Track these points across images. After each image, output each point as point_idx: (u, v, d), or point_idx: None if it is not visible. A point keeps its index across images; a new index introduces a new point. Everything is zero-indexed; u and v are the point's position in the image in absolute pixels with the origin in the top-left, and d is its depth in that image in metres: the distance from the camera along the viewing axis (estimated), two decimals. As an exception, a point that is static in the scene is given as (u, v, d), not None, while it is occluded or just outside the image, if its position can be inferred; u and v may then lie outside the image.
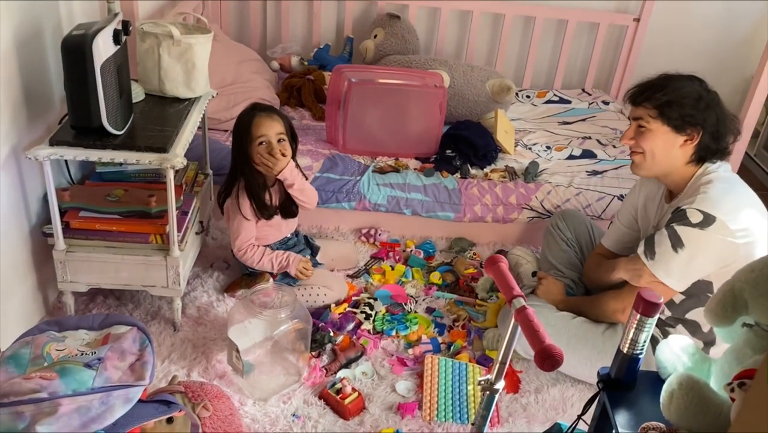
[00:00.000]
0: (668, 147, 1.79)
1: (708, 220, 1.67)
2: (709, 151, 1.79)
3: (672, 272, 1.75)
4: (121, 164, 1.96)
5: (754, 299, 1.03)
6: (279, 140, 2.09)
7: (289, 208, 2.24)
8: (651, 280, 1.79)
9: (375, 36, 3.29)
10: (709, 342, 1.82)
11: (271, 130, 2.08)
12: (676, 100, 1.75)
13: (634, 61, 3.53)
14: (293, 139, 2.16)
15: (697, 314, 1.84)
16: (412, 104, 2.75)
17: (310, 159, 2.65)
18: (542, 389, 2.01)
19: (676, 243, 1.72)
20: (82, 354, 1.30)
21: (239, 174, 2.13)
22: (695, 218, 1.69)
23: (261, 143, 2.07)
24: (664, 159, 1.81)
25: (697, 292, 1.81)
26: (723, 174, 1.79)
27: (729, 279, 1.07)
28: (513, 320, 1.19)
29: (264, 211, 2.14)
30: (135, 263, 1.95)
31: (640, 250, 1.82)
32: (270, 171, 2.10)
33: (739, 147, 2.53)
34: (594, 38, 3.55)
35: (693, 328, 1.85)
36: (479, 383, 1.28)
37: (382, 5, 3.42)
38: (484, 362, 2.09)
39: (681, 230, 1.72)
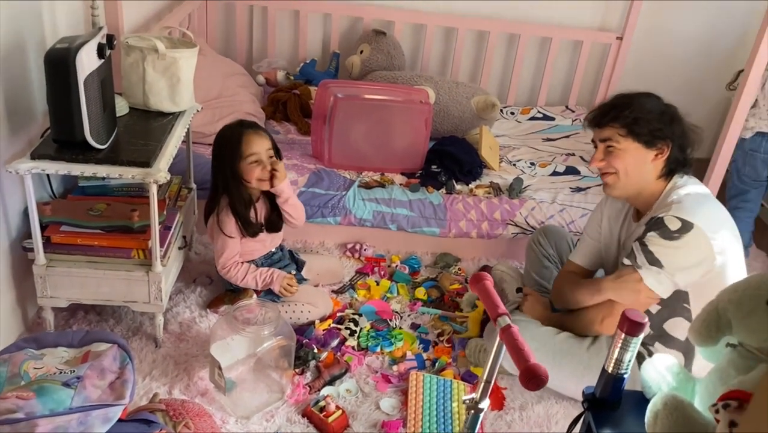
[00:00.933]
0: (640, 163, 1.81)
1: (686, 226, 1.69)
2: (678, 162, 1.83)
3: (662, 279, 1.75)
4: (104, 178, 1.94)
5: (737, 319, 1.04)
6: (270, 157, 2.09)
7: (274, 222, 2.23)
8: (636, 287, 1.78)
9: (361, 51, 3.30)
10: (687, 352, 1.83)
11: (262, 147, 2.07)
12: (643, 116, 1.78)
13: (617, 79, 3.58)
14: (278, 155, 2.16)
15: (673, 325, 1.84)
16: (398, 120, 2.75)
17: (296, 174, 2.64)
18: (527, 406, 2.01)
19: (654, 261, 1.74)
20: (61, 372, 1.28)
21: (222, 191, 2.12)
22: (673, 224, 1.70)
23: (254, 161, 2.06)
24: (637, 176, 1.83)
25: (673, 303, 1.82)
26: (694, 188, 1.83)
27: (713, 299, 1.08)
28: (498, 339, 1.19)
29: (249, 228, 2.13)
30: (117, 279, 1.92)
31: (626, 262, 1.82)
32: (266, 186, 2.10)
33: (721, 163, 2.56)
34: (577, 56, 3.59)
35: (669, 340, 1.85)
36: (464, 402, 1.28)
37: (368, 21, 3.44)
38: (469, 378, 2.08)
39: (656, 248, 1.73)
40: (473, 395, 1.27)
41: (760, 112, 2.64)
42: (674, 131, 1.80)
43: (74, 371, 1.27)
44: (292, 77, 3.41)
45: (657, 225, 1.74)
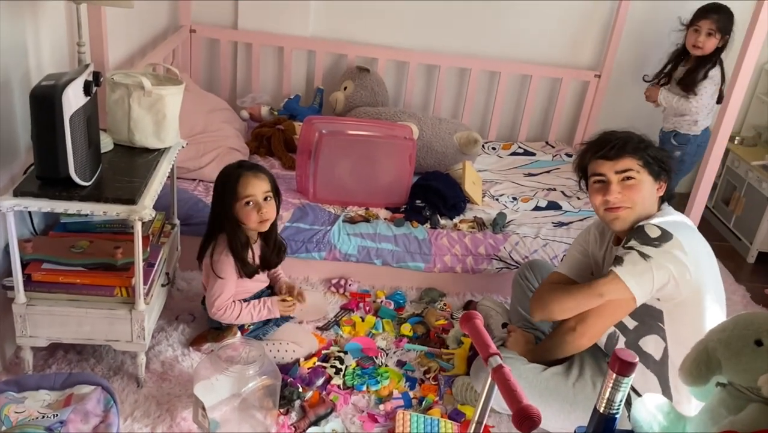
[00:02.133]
0: (650, 195, 1.84)
1: (666, 236, 1.71)
2: (670, 194, 1.88)
3: (643, 281, 1.73)
4: (87, 215, 1.92)
5: (726, 358, 1.05)
6: (265, 198, 2.08)
7: (268, 260, 2.22)
8: (614, 287, 1.78)
9: (345, 88, 3.33)
10: (660, 374, 1.84)
11: (259, 189, 2.07)
12: (651, 148, 1.83)
13: (596, 115, 3.65)
14: (277, 195, 2.16)
15: (647, 342, 1.85)
16: (383, 155, 2.77)
17: (281, 209, 2.63)
18: (515, 444, 1.99)
19: (646, 256, 1.73)
20: (43, 417, 1.24)
21: (220, 232, 2.10)
22: (653, 232, 1.72)
23: (248, 203, 2.05)
24: (645, 208, 1.83)
25: (649, 320, 1.84)
26: (679, 216, 1.86)
27: (702, 339, 1.09)
28: (489, 379, 1.18)
29: (246, 269, 2.11)
30: (99, 317, 1.89)
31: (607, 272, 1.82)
32: (265, 227, 2.12)
33: (700, 199, 2.61)
34: (557, 93, 3.66)
35: (644, 357, 1.86)
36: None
37: (352, 58, 3.49)
38: (457, 417, 2.06)
39: (639, 246, 1.74)
40: (464, 436, 1.26)
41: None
42: (669, 165, 1.85)
43: (57, 415, 1.23)
44: (276, 112, 3.42)
45: (637, 232, 1.75)
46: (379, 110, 3.22)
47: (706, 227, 3.58)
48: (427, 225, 2.71)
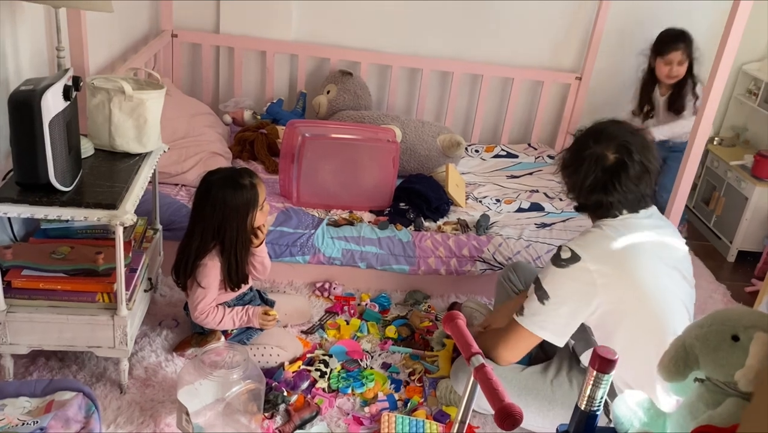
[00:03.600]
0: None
1: (573, 258, 1.72)
2: (583, 203, 1.86)
3: (545, 325, 1.77)
4: (67, 221, 1.91)
5: (704, 354, 1.06)
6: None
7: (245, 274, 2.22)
8: (525, 335, 1.80)
9: (328, 92, 3.34)
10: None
11: (264, 193, 2.11)
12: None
13: (578, 117, 3.68)
14: None
15: (587, 357, 1.88)
16: (366, 159, 2.78)
17: (264, 213, 2.63)
18: (499, 445, 2.00)
19: (542, 296, 1.76)
20: (24, 424, 1.23)
21: (219, 242, 2.06)
22: (565, 253, 1.75)
23: (261, 207, 2.09)
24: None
25: (586, 335, 1.86)
26: (628, 221, 1.79)
27: (680, 335, 1.11)
28: (472, 378, 1.19)
29: (232, 284, 2.11)
30: (80, 323, 1.87)
31: (514, 314, 1.84)
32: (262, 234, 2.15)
33: (679, 200, 2.64)
34: (538, 95, 3.69)
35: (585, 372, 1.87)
36: (439, 444, 1.27)
37: (335, 62, 3.49)
38: (441, 418, 2.07)
39: (544, 275, 1.77)
40: (448, 436, 1.27)
41: None
42: (567, 185, 1.89)
43: (37, 422, 1.22)
44: (259, 117, 3.42)
45: (555, 253, 1.79)
46: (362, 114, 3.23)
47: (686, 228, 3.62)
48: (411, 227, 2.72)
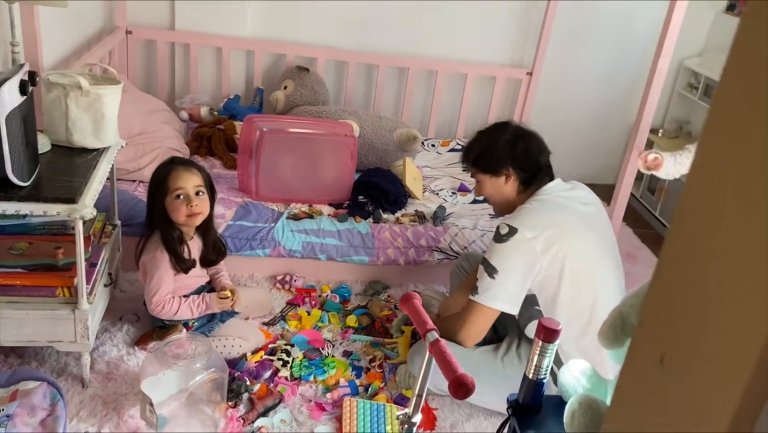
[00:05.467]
0: (498, 188, 2.09)
1: (511, 231, 1.91)
2: (529, 177, 2.07)
3: (498, 296, 1.94)
4: (25, 216, 1.90)
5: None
6: (197, 192, 2.10)
7: (208, 258, 2.24)
8: (482, 309, 1.96)
9: (285, 87, 3.37)
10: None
11: (189, 182, 2.08)
12: (483, 150, 2.08)
13: (529, 112, 3.80)
14: (211, 191, 2.18)
15: (531, 329, 2.00)
16: (324, 153, 2.83)
17: (223, 207, 2.66)
18: (457, 425, 2.08)
19: (492, 271, 1.92)
20: (-12, 413, 1.25)
21: (155, 228, 2.12)
22: (503, 229, 1.93)
23: (178, 196, 2.07)
24: (501, 198, 2.10)
25: (528, 309, 2.01)
26: (539, 197, 2.02)
27: (617, 305, 1.19)
28: (428, 353, 1.26)
29: (182, 264, 2.13)
30: (41, 318, 1.88)
31: (470, 295, 2.00)
32: (196, 222, 2.13)
33: (624, 189, 2.77)
34: (491, 91, 3.79)
35: (531, 343, 1.98)
36: (397, 418, 1.33)
37: (291, 58, 3.52)
38: (401, 401, 2.14)
39: (490, 253, 1.94)
40: (406, 410, 1.33)
41: None
42: (514, 155, 2.05)
43: (3, 410, 1.24)
44: (216, 113, 3.43)
45: (495, 233, 1.97)
46: (320, 109, 3.27)
47: (633, 216, 3.78)
48: (370, 220, 2.78)
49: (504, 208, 2.12)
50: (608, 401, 1.20)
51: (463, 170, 2.27)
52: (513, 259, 1.91)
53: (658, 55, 2.53)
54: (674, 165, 2.39)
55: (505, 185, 2.08)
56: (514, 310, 1.95)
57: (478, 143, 2.12)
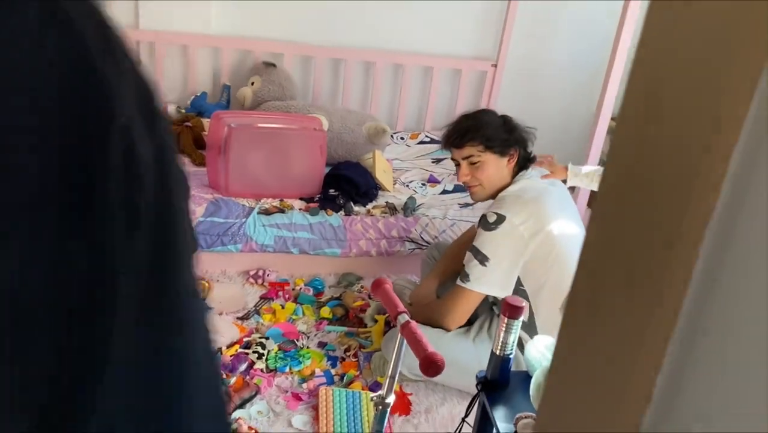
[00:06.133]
0: (499, 170, 2.11)
1: (500, 219, 1.97)
2: (525, 161, 2.14)
3: (492, 283, 2.00)
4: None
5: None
6: None
7: None
8: (474, 297, 2.03)
9: (252, 83, 3.37)
10: (529, 331, 2.03)
11: None
12: (492, 131, 2.09)
13: (495, 102, 3.86)
14: None
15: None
16: (293, 147, 2.84)
17: (193, 204, 2.66)
18: (432, 409, 2.12)
19: (483, 259, 1.98)
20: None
21: None
22: (491, 218, 1.99)
23: None
24: (498, 181, 2.12)
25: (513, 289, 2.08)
26: (524, 182, 2.10)
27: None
28: (399, 335, 1.29)
29: None
30: None
31: (458, 283, 2.05)
32: None
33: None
34: (458, 83, 3.84)
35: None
36: (371, 399, 1.37)
37: (258, 54, 3.53)
38: (376, 388, 2.16)
39: (479, 241, 1.99)
40: (380, 392, 1.37)
41: None
42: (516, 137, 2.10)
43: None
44: (183, 110, 3.42)
45: (481, 221, 2.03)
46: (288, 104, 3.29)
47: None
48: (342, 213, 2.81)
49: (492, 192, 2.13)
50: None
51: (451, 147, 2.13)
52: (503, 246, 1.97)
53: (617, 43, 2.61)
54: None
55: (506, 167, 2.11)
56: (506, 294, 1.99)
57: (479, 124, 2.10)
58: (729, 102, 0.35)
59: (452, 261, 2.30)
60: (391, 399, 1.35)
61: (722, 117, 0.35)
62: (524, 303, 1.21)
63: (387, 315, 2.40)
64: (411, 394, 2.17)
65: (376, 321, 2.45)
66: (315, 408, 2.07)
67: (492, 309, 2.13)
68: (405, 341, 1.30)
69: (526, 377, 1.30)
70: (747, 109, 0.33)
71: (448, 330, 2.09)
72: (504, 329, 1.23)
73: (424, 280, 2.34)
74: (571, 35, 3.87)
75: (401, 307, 1.33)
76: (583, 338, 0.49)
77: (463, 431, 1.43)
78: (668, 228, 0.39)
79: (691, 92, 0.38)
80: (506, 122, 2.13)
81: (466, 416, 1.38)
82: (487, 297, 2.08)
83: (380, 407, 1.36)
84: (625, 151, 0.45)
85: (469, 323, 2.16)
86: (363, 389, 2.15)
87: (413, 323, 1.28)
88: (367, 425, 2.01)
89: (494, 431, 1.22)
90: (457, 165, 2.16)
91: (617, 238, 0.46)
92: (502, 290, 2.01)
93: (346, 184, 2.92)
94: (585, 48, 3.92)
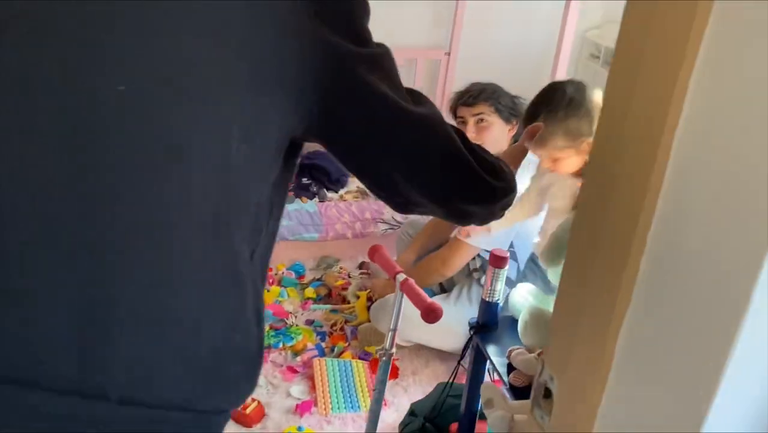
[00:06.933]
0: (501, 135, 2.23)
1: None
2: (518, 135, 2.26)
3: (494, 243, 2.07)
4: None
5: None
6: None
7: None
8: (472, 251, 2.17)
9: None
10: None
11: None
12: (503, 97, 2.24)
13: (450, 89, 4.04)
14: None
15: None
16: (266, 139, 2.96)
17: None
18: (418, 371, 2.30)
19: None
20: None
21: None
22: None
23: None
24: (498, 147, 2.18)
25: None
26: None
27: (553, 231, 1.42)
28: (399, 291, 1.46)
29: None
30: None
31: (456, 232, 2.18)
32: None
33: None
34: (414, 72, 4.02)
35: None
36: (377, 352, 1.53)
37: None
38: (365, 357, 2.34)
39: None
40: (384, 345, 1.53)
41: None
42: (520, 111, 2.24)
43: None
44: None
45: None
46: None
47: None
48: (316, 199, 2.95)
49: None
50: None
51: (466, 103, 2.25)
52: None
53: (563, 29, 2.82)
54: None
55: (506, 135, 2.23)
56: (504, 247, 2.11)
57: (492, 88, 2.23)
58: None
59: (429, 238, 2.45)
60: (394, 350, 1.52)
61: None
62: (507, 254, 1.40)
63: (368, 291, 2.56)
64: (397, 359, 2.34)
65: (358, 297, 2.61)
66: (310, 378, 2.22)
67: (471, 275, 2.30)
68: (403, 296, 1.46)
69: (512, 321, 1.48)
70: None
71: (443, 276, 2.22)
72: (492, 277, 1.41)
73: (402, 254, 2.50)
74: (518, 20, 4.09)
75: (398, 267, 1.50)
76: (581, 282, 0.68)
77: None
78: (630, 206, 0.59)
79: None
80: (512, 97, 2.28)
81: (461, 358, 1.56)
82: (468, 265, 2.26)
83: (384, 358, 1.53)
84: (603, 149, 0.64)
85: (442, 290, 2.34)
86: (353, 358, 2.31)
87: (410, 280, 1.44)
88: (360, 390, 2.17)
89: (489, 363, 1.40)
90: (461, 123, 2.24)
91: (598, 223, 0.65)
92: (503, 246, 2.08)
93: (318, 172, 3.06)
94: (532, 32, 4.14)
